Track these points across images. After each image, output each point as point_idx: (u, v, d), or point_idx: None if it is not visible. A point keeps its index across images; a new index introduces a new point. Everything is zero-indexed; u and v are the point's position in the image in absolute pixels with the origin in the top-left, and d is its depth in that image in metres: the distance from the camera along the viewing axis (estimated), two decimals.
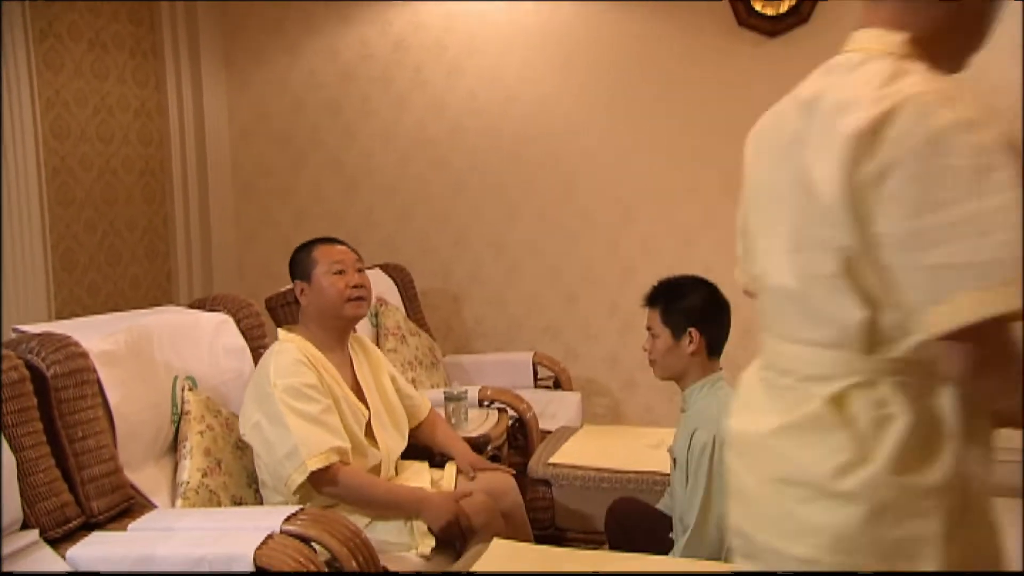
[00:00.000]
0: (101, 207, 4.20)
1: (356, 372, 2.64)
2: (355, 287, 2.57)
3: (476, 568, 2.10)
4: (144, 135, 4.47)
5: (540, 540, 2.87)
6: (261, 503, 2.52)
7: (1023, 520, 1.73)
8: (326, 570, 2.03)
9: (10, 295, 3.49)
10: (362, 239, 4.79)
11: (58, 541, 2.08)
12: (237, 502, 2.47)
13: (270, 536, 2.03)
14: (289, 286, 3.72)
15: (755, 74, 4.03)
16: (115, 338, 2.43)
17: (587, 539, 2.83)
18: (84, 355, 2.26)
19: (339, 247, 2.66)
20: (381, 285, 4.11)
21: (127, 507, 2.25)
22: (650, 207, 4.43)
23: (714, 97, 4.19)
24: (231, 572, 1.94)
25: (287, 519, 2.11)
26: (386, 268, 4.27)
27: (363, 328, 3.80)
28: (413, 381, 3.74)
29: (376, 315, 3.89)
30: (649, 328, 2.32)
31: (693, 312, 2.26)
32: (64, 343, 2.24)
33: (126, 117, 4.34)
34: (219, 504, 2.41)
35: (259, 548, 1.97)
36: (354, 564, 2.09)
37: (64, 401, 2.18)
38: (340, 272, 2.57)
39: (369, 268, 4.24)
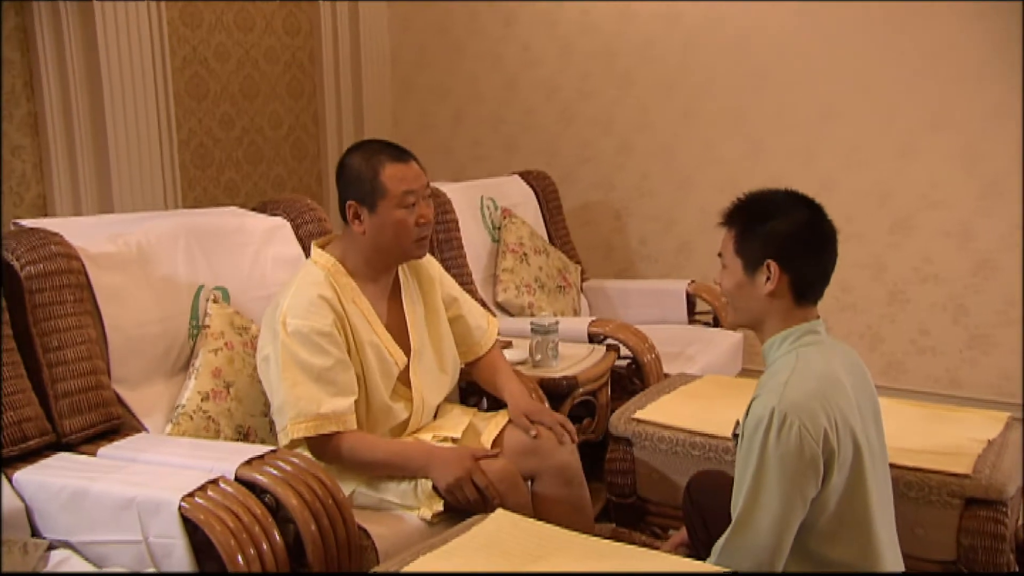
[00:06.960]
0: (240, 101, 4.02)
1: (403, 301, 2.21)
2: (422, 224, 2.09)
3: (466, 539, 1.68)
4: (291, 24, 4.22)
5: (617, 510, 2.38)
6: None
7: None
8: (275, 533, 1.69)
9: (124, 190, 3.39)
10: (520, 143, 4.37)
11: (15, 460, 1.88)
12: (243, 433, 2.16)
13: (214, 482, 1.72)
14: None
15: None
16: (124, 239, 2.19)
17: (671, 514, 2.29)
18: (69, 256, 2.02)
19: (411, 168, 2.09)
20: (516, 195, 3.66)
21: (108, 428, 2.01)
22: (856, 107, 3.61)
23: None
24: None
25: (247, 462, 1.79)
26: (526, 176, 3.81)
27: (482, 243, 3.40)
28: (530, 306, 3.27)
29: (498, 228, 3.44)
30: (720, 255, 1.73)
31: (775, 239, 1.64)
32: (45, 241, 2.01)
33: (270, 5, 4.10)
34: (217, 433, 2.11)
35: (189, 496, 1.66)
36: (313, 528, 1.72)
37: (39, 306, 1.96)
38: (411, 206, 2.09)
39: (508, 176, 3.82)
